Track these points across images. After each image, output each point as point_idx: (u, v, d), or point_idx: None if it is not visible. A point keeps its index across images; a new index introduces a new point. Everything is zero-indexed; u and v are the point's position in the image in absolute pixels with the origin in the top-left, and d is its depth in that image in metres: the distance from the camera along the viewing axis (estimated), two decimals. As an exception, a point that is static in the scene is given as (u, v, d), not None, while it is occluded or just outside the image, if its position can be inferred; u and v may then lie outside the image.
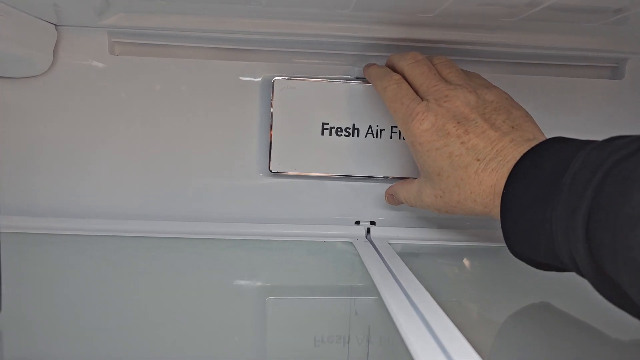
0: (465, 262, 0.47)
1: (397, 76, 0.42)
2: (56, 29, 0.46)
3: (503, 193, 0.35)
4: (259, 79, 0.48)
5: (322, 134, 0.48)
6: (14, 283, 0.29)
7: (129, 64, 0.47)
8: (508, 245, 0.36)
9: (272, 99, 0.47)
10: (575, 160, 0.30)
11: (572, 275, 0.31)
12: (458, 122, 0.38)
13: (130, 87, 0.48)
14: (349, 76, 0.48)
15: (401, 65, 0.42)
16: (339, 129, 0.48)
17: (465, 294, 0.40)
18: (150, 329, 0.30)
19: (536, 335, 0.33)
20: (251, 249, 0.45)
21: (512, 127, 0.38)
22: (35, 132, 0.48)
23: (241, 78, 0.48)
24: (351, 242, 0.47)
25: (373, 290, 0.35)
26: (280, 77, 0.47)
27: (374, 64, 0.46)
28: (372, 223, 0.50)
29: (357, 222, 0.50)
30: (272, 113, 0.47)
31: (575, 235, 0.28)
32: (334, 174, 0.48)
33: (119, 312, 0.32)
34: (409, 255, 0.45)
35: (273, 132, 0.47)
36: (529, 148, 0.35)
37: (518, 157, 0.35)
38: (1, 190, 0.46)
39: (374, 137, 0.48)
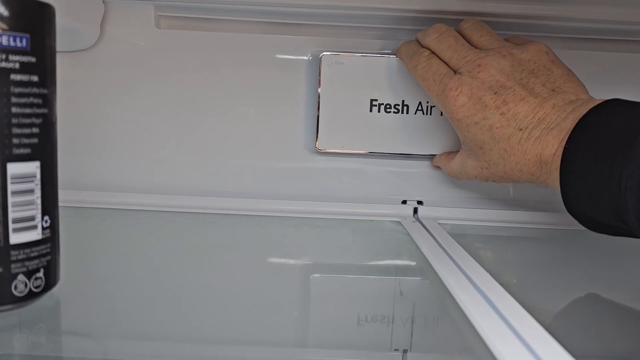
0: (516, 244, 0.45)
1: (426, 52, 0.40)
2: (103, 2, 0.45)
3: (565, 148, 0.33)
4: (307, 55, 0.47)
5: (371, 110, 0.46)
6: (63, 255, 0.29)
7: (174, 38, 0.47)
8: (565, 202, 0.34)
9: (319, 75, 0.46)
10: None
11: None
12: (495, 93, 0.36)
13: (175, 61, 0.47)
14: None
15: (427, 42, 0.41)
16: (388, 106, 0.46)
17: (520, 277, 0.39)
18: (195, 303, 0.30)
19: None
20: (297, 226, 0.44)
21: (553, 90, 0.36)
22: (81, 107, 0.47)
23: (288, 53, 0.47)
24: (399, 222, 0.46)
25: (428, 269, 0.34)
26: (328, 53, 0.46)
27: (405, 42, 0.44)
28: (419, 203, 0.49)
29: (404, 202, 0.49)
30: (319, 89, 0.46)
31: None
32: (382, 152, 0.47)
33: (165, 286, 0.32)
34: (458, 237, 0.44)
35: (320, 109, 0.46)
36: (573, 111, 0.34)
37: (563, 123, 0.34)
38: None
39: (423, 113, 0.46)
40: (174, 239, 0.41)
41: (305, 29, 0.47)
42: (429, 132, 0.47)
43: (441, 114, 0.46)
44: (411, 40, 0.44)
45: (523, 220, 0.48)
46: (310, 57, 0.47)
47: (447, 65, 0.39)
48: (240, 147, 0.48)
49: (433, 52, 0.40)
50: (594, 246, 0.44)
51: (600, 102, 0.34)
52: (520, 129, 0.36)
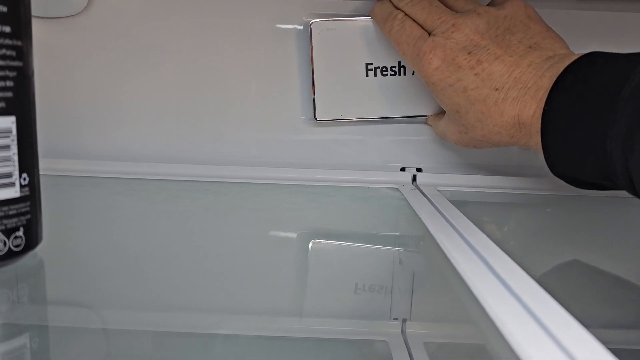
0: (518, 209, 0.45)
1: (400, 14, 0.39)
2: (91, -36, 0.44)
3: (544, 110, 0.32)
4: (299, 20, 0.46)
5: (367, 75, 0.45)
6: (54, 222, 0.28)
7: (169, 3, 0.45)
8: (549, 164, 0.34)
9: (310, 44, 0.44)
10: (635, 73, 0.27)
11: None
12: (469, 53, 0.35)
13: (167, 27, 0.46)
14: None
15: (400, 6, 0.39)
16: (384, 69, 0.45)
17: (521, 241, 0.38)
18: (191, 269, 0.29)
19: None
20: (293, 193, 0.44)
21: (530, 47, 0.35)
22: (71, 73, 0.46)
23: (279, 21, 0.46)
24: (397, 189, 0.45)
25: (426, 235, 0.34)
26: (318, 20, 0.44)
27: (377, 2, 0.43)
28: (418, 170, 0.48)
29: (403, 169, 0.48)
30: (312, 58, 0.44)
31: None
32: (382, 116, 0.46)
33: (160, 253, 0.31)
34: (458, 203, 0.43)
35: (315, 79, 0.45)
36: (549, 67, 0.32)
37: (540, 82, 0.33)
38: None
39: None
40: (169, 205, 0.40)
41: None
42: (428, 91, 0.45)
43: None
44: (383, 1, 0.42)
45: (523, 186, 0.46)
46: (303, 23, 0.46)
47: (422, 28, 0.38)
48: (234, 115, 0.47)
49: (407, 15, 0.39)
50: (591, 211, 0.43)
51: (578, 57, 0.32)
52: (497, 89, 0.34)
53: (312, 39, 0.44)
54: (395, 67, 0.45)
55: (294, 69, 0.46)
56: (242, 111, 0.47)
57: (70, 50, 0.46)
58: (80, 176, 0.45)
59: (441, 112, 0.44)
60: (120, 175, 0.45)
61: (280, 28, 0.46)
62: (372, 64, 0.45)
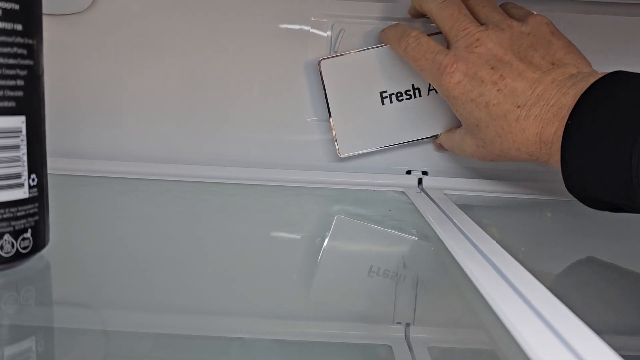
0: (523, 214, 0.44)
1: (414, 32, 0.39)
2: (97, -39, 0.44)
3: (567, 124, 0.32)
4: (309, 18, 0.45)
5: (383, 103, 0.44)
6: (59, 222, 0.28)
7: (174, 3, 0.45)
8: (567, 182, 0.33)
9: (322, 83, 0.44)
10: None
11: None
12: (492, 68, 0.35)
13: (173, 26, 0.45)
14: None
15: (429, 7, 0.39)
16: (399, 94, 0.44)
17: (527, 245, 0.38)
18: (196, 271, 0.29)
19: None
20: (300, 195, 0.43)
21: (552, 64, 0.35)
22: (75, 70, 0.46)
23: (283, 21, 0.45)
24: (403, 192, 0.45)
25: (433, 238, 0.33)
26: (326, 58, 0.44)
27: (387, 27, 0.43)
28: (424, 173, 0.48)
29: (409, 172, 0.48)
30: (326, 97, 0.44)
31: None
32: (405, 141, 0.45)
33: (165, 254, 0.31)
34: (464, 207, 0.43)
35: (333, 116, 0.44)
36: (573, 85, 0.32)
37: (563, 99, 0.32)
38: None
39: (437, 92, 0.44)
40: (169, 207, 0.40)
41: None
42: (447, 108, 0.44)
43: None
44: (395, 23, 0.42)
45: (530, 191, 0.46)
46: (312, 22, 0.45)
47: (445, 35, 0.38)
48: (236, 118, 0.47)
49: (432, 19, 0.39)
50: (595, 216, 0.43)
51: (602, 75, 0.32)
52: (519, 106, 0.34)
53: (323, 78, 0.44)
54: (409, 90, 0.44)
55: (298, 69, 0.46)
56: (246, 111, 0.47)
57: (74, 47, 0.45)
58: (83, 175, 0.44)
59: (449, 129, 0.44)
60: (122, 175, 0.45)
61: (285, 28, 0.46)
62: (385, 91, 0.44)
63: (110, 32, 0.45)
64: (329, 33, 0.45)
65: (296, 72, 0.46)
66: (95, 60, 0.46)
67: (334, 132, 0.45)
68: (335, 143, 0.45)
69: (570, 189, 0.33)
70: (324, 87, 0.44)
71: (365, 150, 0.45)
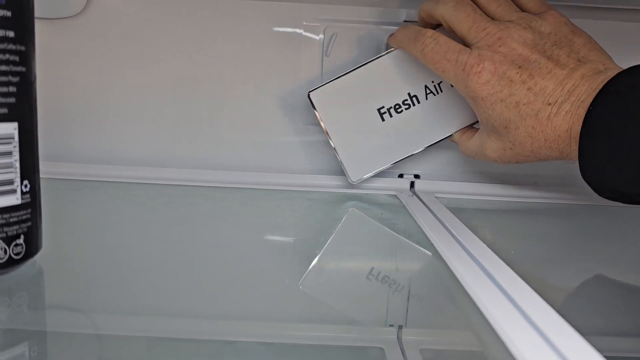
0: (514, 217, 0.45)
1: (429, 32, 0.38)
2: (90, -34, 0.44)
3: (588, 110, 0.31)
4: (302, 22, 0.45)
5: (383, 119, 0.43)
6: (51, 227, 0.28)
7: (164, 6, 0.45)
8: (581, 165, 0.33)
9: (317, 114, 0.43)
10: None
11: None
12: (520, 67, 0.34)
13: (165, 30, 0.46)
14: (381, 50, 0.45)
15: (441, 11, 0.38)
16: (397, 106, 0.43)
17: (516, 248, 0.38)
18: (187, 275, 0.29)
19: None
20: (293, 199, 0.44)
21: (579, 60, 0.34)
22: (67, 74, 0.46)
23: (281, 21, 0.46)
24: (395, 195, 0.45)
25: (425, 242, 0.34)
26: (315, 89, 0.43)
27: (400, 28, 0.41)
28: (416, 176, 0.48)
29: (401, 175, 0.48)
30: (324, 128, 0.43)
31: None
32: (414, 152, 0.44)
33: (157, 258, 0.31)
34: (455, 210, 0.43)
35: (336, 144, 0.43)
36: (603, 81, 0.32)
37: (594, 94, 0.32)
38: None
39: (435, 94, 0.43)
40: (162, 211, 0.40)
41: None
42: (450, 108, 0.43)
43: (451, 86, 0.43)
44: (403, 24, 0.41)
45: (520, 194, 0.47)
46: (304, 26, 0.46)
47: (462, 38, 0.37)
48: (228, 123, 0.47)
49: (446, 24, 0.38)
50: (589, 219, 0.43)
51: (630, 68, 0.32)
52: (549, 104, 0.34)
53: (317, 109, 0.43)
54: (406, 100, 0.43)
55: (292, 72, 0.46)
56: (239, 114, 0.47)
57: (66, 51, 0.45)
58: (75, 179, 0.44)
59: (468, 130, 0.43)
60: (114, 179, 0.45)
61: (278, 31, 0.46)
62: (383, 107, 0.43)
63: (102, 35, 0.45)
64: (321, 36, 0.45)
65: (289, 76, 0.46)
66: (87, 64, 0.46)
67: (339, 158, 0.43)
68: (344, 170, 0.44)
69: (584, 174, 0.33)
70: (319, 118, 0.43)
71: (376, 171, 0.44)
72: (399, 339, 0.24)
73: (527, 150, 0.36)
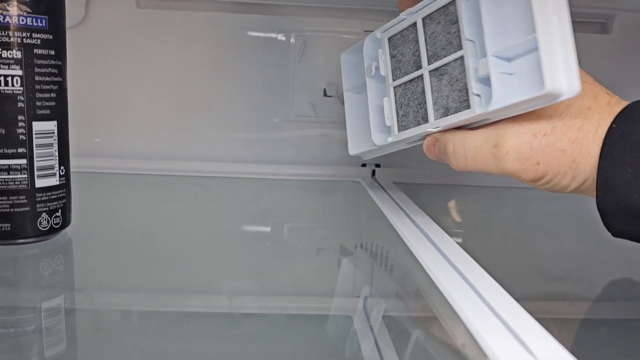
0: (467, 202, 0.52)
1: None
2: (89, -17, 0.50)
3: (611, 127, 0.27)
4: (275, 33, 0.52)
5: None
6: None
7: (155, 17, 0.51)
8: (603, 204, 0.27)
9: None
10: None
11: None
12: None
13: (155, 39, 0.52)
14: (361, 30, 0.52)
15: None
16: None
17: (467, 231, 0.45)
18: (174, 253, 0.35)
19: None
20: (270, 186, 0.50)
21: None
22: (69, 79, 0.51)
23: (259, 31, 0.52)
24: (359, 182, 0.52)
25: (384, 221, 0.39)
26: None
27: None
28: (377, 165, 0.55)
29: (364, 165, 0.55)
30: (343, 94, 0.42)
31: None
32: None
33: (160, 230, 0.37)
34: (411, 192, 0.49)
35: (346, 115, 0.41)
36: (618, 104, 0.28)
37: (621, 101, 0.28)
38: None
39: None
40: (176, 200, 0.46)
41: (275, 9, 0.52)
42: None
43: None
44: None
45: (474, 179, 0.53)
46: (278, 35, 0.52)
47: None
48: (214, 120, 0.53)
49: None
50: (530, 202, 0.51)
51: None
52: (608, 94, 0.28)
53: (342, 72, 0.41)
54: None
55: (274, 75, 0.53)
56: (224, 113, 0.53)
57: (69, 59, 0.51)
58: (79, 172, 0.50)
59: (455, 131, 0.32)
60: (114, 171, 0.51)
61: (254, 36, 0.52)
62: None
63: (101, 43, 0.51)
64: (293, 41, 0.52)
65: (263, 77, 0.53)
66: (88, 70, 0.51)
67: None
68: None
69: (605, 211, 0.28)
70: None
71: (372, 148, 0.39)
72: (364, 308, 0.28)
73: (569, 137, 0.27)
